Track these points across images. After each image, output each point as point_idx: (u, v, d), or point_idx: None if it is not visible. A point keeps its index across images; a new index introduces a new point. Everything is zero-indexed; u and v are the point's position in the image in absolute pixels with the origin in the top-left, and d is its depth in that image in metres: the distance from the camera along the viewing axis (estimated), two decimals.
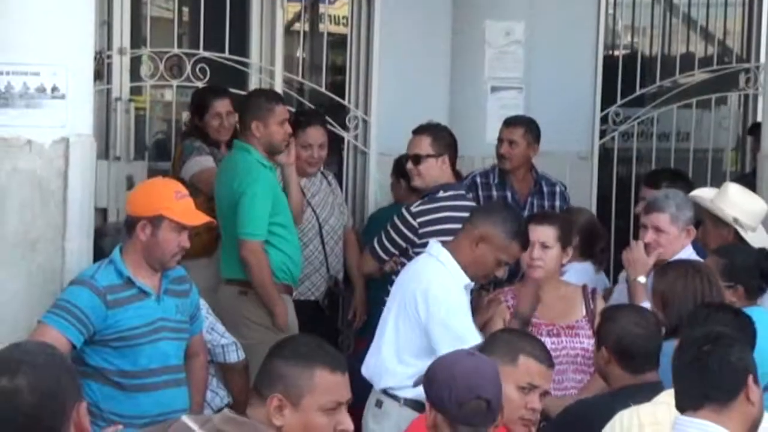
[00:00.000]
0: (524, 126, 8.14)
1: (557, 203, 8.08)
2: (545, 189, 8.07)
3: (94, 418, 5.21)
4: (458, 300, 5.75)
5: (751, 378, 3.99)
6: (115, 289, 5.36)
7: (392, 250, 7.06)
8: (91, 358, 5.31)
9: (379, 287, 7.01)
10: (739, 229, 6.90)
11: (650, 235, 6.55)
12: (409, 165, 7.20)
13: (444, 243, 5.95)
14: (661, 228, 6.56)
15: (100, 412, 5.28)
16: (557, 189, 8.17)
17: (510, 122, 8.21)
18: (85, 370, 5.29)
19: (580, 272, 6.97)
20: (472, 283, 5.92)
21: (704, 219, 7.07)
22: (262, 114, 6.95)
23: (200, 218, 5.59)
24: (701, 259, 6.24)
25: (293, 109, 8.75)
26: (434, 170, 7.15)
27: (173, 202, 5.44)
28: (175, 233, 5.38)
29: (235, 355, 6.19)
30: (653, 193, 7.17)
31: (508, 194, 7.72)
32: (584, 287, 6.39)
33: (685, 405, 4.12)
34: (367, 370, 5.90)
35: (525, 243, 6.04)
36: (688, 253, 6.47)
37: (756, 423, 4.06)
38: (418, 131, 7.32)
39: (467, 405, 4.15)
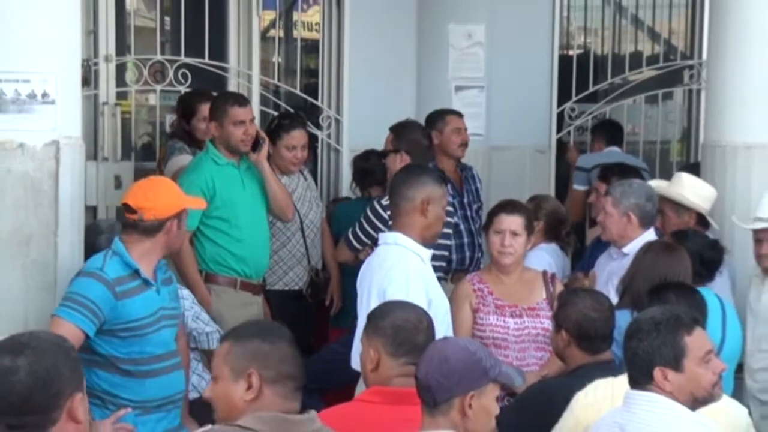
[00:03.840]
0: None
1: (477, 184, 8.06)
2: (468, 174, 8.07)
3: (105, 404, 5.23)
4: (410, 279, 5.57)
5: (658, 367, 4.03)
6: (123, 280, 5.29)
7: (365, 240, 7.06)
8: (101, 347, 5.26)
9: (354, 274, 6.99)
10: (703, 213, 6.94)
11: (601, 215, 6.75)
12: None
13: (393, 228, 5.81)
14: (606, 210, 6.67)
15: (111, 399, 5.24)
16: (474, 172, 8.17)
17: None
18: (96, 359, 5.24)
19: (549, 252, 7.00)
20: (431, 252, 5.80)
21: (663, 208, 7.09)
22: (218, 115, 6.88)
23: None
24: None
25: (272, 111, 8.76)
26: (394, 165, 7.19)
27: (185, 194, 5.67)
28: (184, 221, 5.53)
29: (217, 342, 6.14)
30: (605, 186, 7.23)
31: (448, 186, 7.74)
32: (544, 272, 6.39)
33: (634, 380, 4.14)
34: (355, 362, 5.84)
35: (444, 180, 6.10)
36: (651, 236, 6.50)
37: (694, 396, 4.08)
38: (390, 129, 7.45)
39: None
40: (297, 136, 7.47)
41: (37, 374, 3.14)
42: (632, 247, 6.40)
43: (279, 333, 3.67)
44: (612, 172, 7.73)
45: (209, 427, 3.77)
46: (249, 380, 3.56)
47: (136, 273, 5.31)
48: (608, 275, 6.55)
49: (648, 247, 5.99)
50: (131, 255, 5.30)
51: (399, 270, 5.55)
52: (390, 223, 6.74)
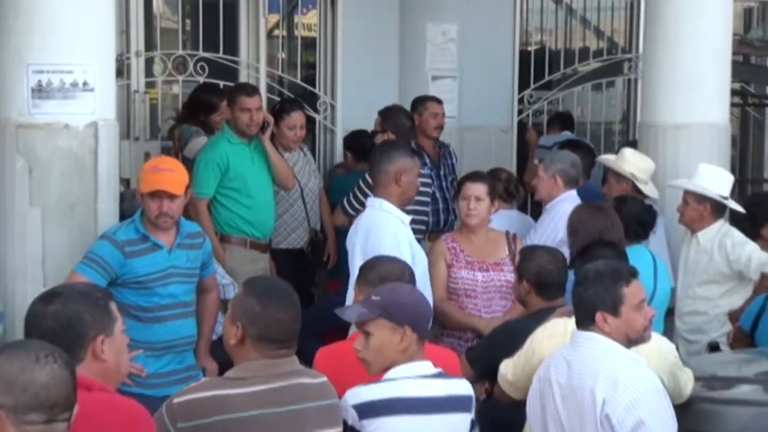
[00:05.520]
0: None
1: (453, 160, 8.07)
2: (445, 151, 8.08)
3: None
4: (399, 237, 5.60)
5: (599, 312, 4.04)
6: (132, 242, 5.32)
7: (358, 207, 7.05)
8: (115, 296, 5.23)
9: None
10: (636, 182, 6.98)
11: (535, 179, 6.92)
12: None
13: (376, 195, 5.83)
14: (539, 174, 6.82)
15: None
16: (450, 149, 8.17)
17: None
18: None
19: (508, 217, 7.04)
20: (410, 217, 5.82)
21: (608, 177, 7.17)
22: (231, 102, 6.93)
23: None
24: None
25: (277, 98, 8.74)
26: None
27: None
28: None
29: (232, 293, 6.15)
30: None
31: (427, 160, 7.73)
32: (507, 232, 6.41)
33: (579, 321, 4.18)
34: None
35: (416, 154, 6.17)
36: (571, 198, 6.55)
37: (629, 337, 4.10)
38: (378, 113, 7.49)
39: (428, 319, 4.09)
40: (296, 117, 7.48)
41: (60, 319, 3.15)
42: (553, 204, 6.48)
43: (280, 298, 3.61)
44: (569, 146, 7.81)
45: (204, 379, 3.79)
46: (237, 329, 3.57)
47: (145, 237, 5.33)
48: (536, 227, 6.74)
49: (580, 209, 5.96)
50: (146, 222, 5.33)
51: (388, 232, 5.58)
52: None
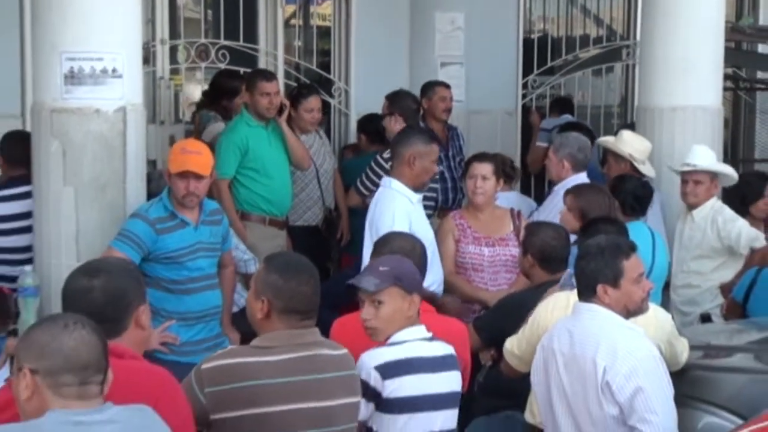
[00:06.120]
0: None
1: (461, 141, 8.05)
2: (453, 133, 8.07)
3: (154, 317, 5.19)
4: (395, 213, 5.63)
5: (600, 284, 4.05)
6: (162, 220, 5.35)
7: (371, 186, 7.06)
8: (149, 271, 5.30)
9: (362, 215, 7.02)
10: (634, 162, 6.99)
11: (547, 159, 6.87)
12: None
13: (390, 175, 5.88)
14: (549, 156, 6.78)
15: (156, 311, 5.26)
16: (458, 132, 8.15)
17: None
18: (146, 280, 5.26)
19: (507, 199, 7.05)
20: (421, 195, 5.86)
21: (608, 157, 7.18)
22: (250, 87, 6.90)
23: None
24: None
25: (294, 84, 8.74)
26: (389, 125, 7.23)
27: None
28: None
29: (253, 267, 6.18)
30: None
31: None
32: (512, 210, 6.42)
33: (581, 293, 4.18)
34: None
35: (436, 139, 6.04)
36: (580, 181, 6.52)
37: (627, 308, 4.11)
38: (386, 97, 7.47)
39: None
40: (313, 101, 7.48)
41: (108, 292, 3.20)
42: (561, 186, 6.49)
43: (300, 272, 3.61)
44: (571, 128, 7.81)
45: (230, 347, 3.81)
46: (262, 303, 3.58)
47: (173, 214, 5.36)
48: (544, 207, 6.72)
49: (582, 190, 5.97)
50: (173, 200, 5.37)
51: (388, 209, 5.63)
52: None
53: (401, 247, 4.54)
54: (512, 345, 4.73)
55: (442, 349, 4.11)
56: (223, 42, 8.54)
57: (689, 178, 6.60)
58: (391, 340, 4.02)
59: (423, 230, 5.67)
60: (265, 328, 3.59)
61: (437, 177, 7.33)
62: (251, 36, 8.87)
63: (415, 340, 4.03)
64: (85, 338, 2.70)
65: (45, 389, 2.67)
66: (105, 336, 2.79)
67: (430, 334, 4.09)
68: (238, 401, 3.44)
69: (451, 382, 4.10)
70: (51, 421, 2.62)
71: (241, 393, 3.45)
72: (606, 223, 5.31)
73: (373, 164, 7.08)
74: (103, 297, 3.18)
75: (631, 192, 6.24)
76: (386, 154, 6.94)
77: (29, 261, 5.60)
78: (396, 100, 7.57)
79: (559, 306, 4.58)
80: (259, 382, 3.47)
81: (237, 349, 3.69)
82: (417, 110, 7.63)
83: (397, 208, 5.62)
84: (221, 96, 7.89)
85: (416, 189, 5.78)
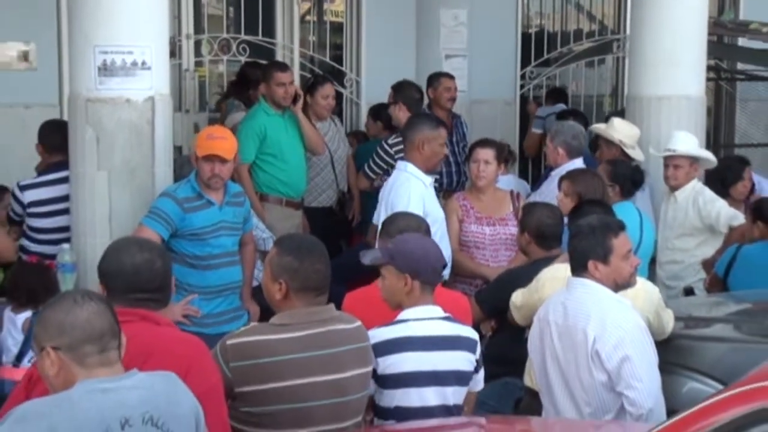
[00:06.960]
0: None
1: (464, 129, 8.02)
2: (457, 121, 8.05)
3: (178, 290, 5.20)
4: (411, 195, 5.62)
5: (591, 261, 4.06)
6: (190, 200, 5.35)
7: (378, 170, 7.06)
8: (175, 246, 5.32)
9: (372, 196, 7.03)
10: (623, 147, 6.97)
11: (545, 146, 6.93)
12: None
13: (403, 158, 5.89)
14: (547, 142, 6.79)
15: (179, 285, 5.26)
16: (462, 119, 8.13)
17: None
18: (172, 255, 5.28)
19: (504, 182, 7.04)
20: (433, 179, 5.86)
21: (600, 142, 7.17)
22: (267, 78, 6.88)
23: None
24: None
25: (309, 75, 8.74)
26: (395, 113, 7.20)
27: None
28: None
29: (272, 244, 6.16)
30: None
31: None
32: (511, 191, 6.42)
33: (574, 269, 4.19)
34: None
35: (442, 124, 6.03)
36: (577, 165, 6.50)
37: (617, 282, 4.11)
38: (391, 87, 7.46)
39: (437, 269, 4.06)
40: (328, 88, 7.48)
41: (165, 262, 3.32)
42: (558, 171, 6.47)
43: (312, 252, 3.60)
44: (567, 115, 7.83)
45: (253, 324, 3.82)
46: (280, 285, 3.58)
47: (200, 195, 5.36)
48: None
49: (577, 175, 5.94)
50: (200, 182, 5.36)
51: (404, 188, 5.64)
52: (395, 156, 6.81)
53: (408, 225, 4.54)
54: (517, 298, 4.88)
55: (452, 329, 3.98)
56: (243, 36, 8.55)
57: (670, 162, 6.60)
58: (398, 317, 3.98)
59: (436, 211, 5.71)
60: (284, 307, 3.59)
61: (443, 162, 7.34)
62: (269, 31, 8.87)
63: (418, 320, 3.92)
64: (95, 308, 2.70)
65: (70, 363, 2.66)
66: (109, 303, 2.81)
67: (443, 314, 3.98)
68: (260, 376, 3.46)
69: (455, 361, 3.96)
70: (80, 390, 2.62)
71: (264, 368, 3.46)
72: (594, 205, 5.31)
73: (378, 149, 7.07)
74: (163, 267, 3.29)
75: (630, 177, 6.24)
76: (391, 140, 6.95)
77: (67, 240, 5.62)
78: (400, 89, 7.55)
79: (558, 276, 4.60)
80: (280, 358, 3.48)
81: (258, 327, 3.68)
82: (420, 99, 7.61)
83: (412, 190, 5.63)
84: (248, 85, 7.89)
85: (428, 172, 5.79)
